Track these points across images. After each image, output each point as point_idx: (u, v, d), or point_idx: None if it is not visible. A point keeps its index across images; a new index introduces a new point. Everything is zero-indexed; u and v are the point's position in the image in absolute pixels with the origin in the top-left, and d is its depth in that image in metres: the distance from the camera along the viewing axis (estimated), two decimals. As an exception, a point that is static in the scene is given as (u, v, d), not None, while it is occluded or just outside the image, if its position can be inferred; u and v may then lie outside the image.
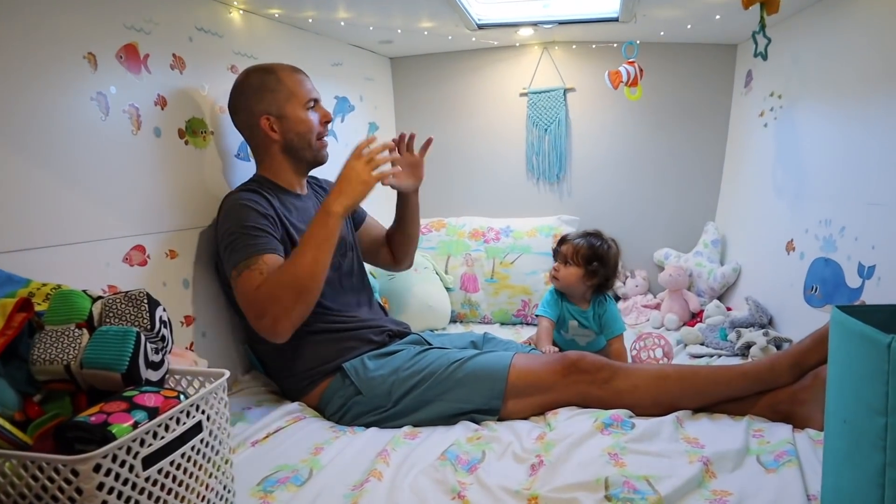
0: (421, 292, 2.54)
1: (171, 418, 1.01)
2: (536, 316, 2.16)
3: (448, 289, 2.69)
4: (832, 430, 1.02)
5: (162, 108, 1.68)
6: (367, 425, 1.64)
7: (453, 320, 2.74)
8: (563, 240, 2.14)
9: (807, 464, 1.28)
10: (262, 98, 1.77)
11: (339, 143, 2.55)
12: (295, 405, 1.71)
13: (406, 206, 2.11)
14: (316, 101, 1.83)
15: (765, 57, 1.88)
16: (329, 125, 1.87)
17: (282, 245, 1.68)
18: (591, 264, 2.05)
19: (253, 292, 1.57)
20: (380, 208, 2.30)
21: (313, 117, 1.81)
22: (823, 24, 2.03)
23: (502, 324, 2.71)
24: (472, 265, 2.73)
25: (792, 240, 2.16)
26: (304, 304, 1.59)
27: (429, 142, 2.04)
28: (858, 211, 1.80)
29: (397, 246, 2.19)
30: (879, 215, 1.70)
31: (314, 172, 1.95)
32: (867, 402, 0.87)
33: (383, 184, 1.79)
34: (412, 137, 2.04)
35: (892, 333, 0.83)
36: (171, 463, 1.01)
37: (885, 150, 1.70)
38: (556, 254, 2.14)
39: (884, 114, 1.72)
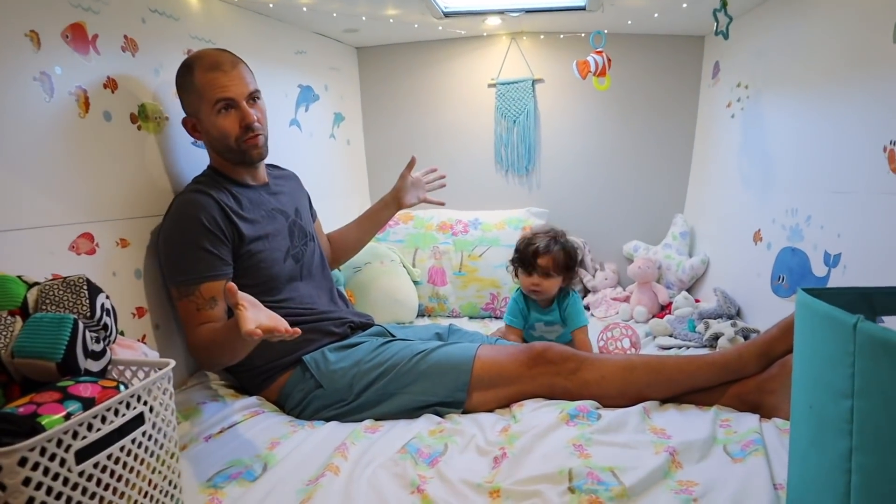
0: (388, 286, 2.50)
1: (108, 409, 0.95)
2: (505, 323, 2.15)
3: (415, 282, 2.65)
4: (798, 416, 0.99)
5: (112, 92, 1.61)
6: (328, 419, 1.60)
7: (421, 314, 2.70)
8: (535, 253, 2.02)
9: (773, 453, 1.26)
10: (183, 97, 1.71)
11: (302, 133, 2.51)
12: (253, 399, 1.66)
13: (381, 217, 2.20)
14: (229, 101, 1.65)
15: (726, 36, 1.87)
16: (253, 126, 1.68)
17: (229, 255, 1.65)
18: (571, 271, 2.06)
19: (189, 332, 1.61)
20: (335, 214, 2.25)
21: (226, 121, 1.66)
22: (788, 15, 2.02)
23: (471, 317, 2.67)
24: (439, 258, 2.69)
25: (759, 230, 2.15)
26: (230, 362, 1.60)
27: (412, 162, 2.20)
28: (823, 199, 1.79)
29: (344, 249, 2.22)
30: (844, 203, 1.69)
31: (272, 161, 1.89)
32: (833, 386, 0.84)
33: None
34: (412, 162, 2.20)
35: (857, 314, 0.81)
36: (109, 457, 0.95)
37: (848, 139, 1.69)
38: (532, 266, 2.03)
39: (846, 103, 1.71)
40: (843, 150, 1.72)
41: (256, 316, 1.26)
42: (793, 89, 2.00)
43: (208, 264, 1.60)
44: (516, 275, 2.12)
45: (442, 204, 2.29)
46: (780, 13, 2.07)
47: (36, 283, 1.11)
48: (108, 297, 1.15)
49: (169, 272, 1.63)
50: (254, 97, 1.72)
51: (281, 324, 1.27)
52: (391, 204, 2.19)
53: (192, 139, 1.87)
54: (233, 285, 1.27)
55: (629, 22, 2.54)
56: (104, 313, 1.12)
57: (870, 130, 1.59)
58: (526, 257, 2.05)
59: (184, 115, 1.74)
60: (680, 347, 2.10)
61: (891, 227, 1.51)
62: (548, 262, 2.01)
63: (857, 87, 1.66)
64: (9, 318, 1.01)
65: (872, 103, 1.59)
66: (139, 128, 1.69)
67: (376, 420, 1.57)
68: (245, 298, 1.29)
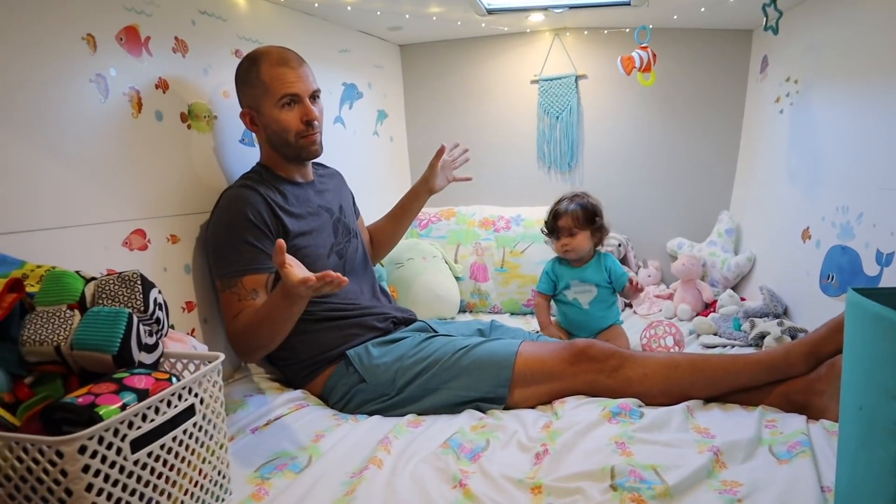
0: (430, 281, 2.51)
1: (161, 401, 0.99)
2: (535, 291, 2.29)
3: (457, 278, 2.66)
4: (847, 418, 0.98)
5: (164, 92, 1.65)
6: (371, 413, 1.62)
7: (462, 310, 2.71)
8: (556, 215, 2.17)
9: (821, 455, 1.24)
10: (244, 90, 1.75)
11: (346, 130, 2.53)
12: (298, 393, 1.69)
13: (413, 207, 2.20)
14: (294, 96, 1.70)
15: (775, 31, 1.83)
16: (313, 123, 1.73)
17: (270, 246, 1.65)
18: (594, 222, 2.14)
19: (229, 322, 1.64)
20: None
21: (289, 116, 1.71)
22: (840, 7, 1.98)
23: (512, 313, 2.67)
24: (481, 254, 2.70)
25: (808, 227, 2.11)
26: (270, 347, 1.62)
27: (441, 150, 2.16)
28: (877, 197, 1.75)
29: (380, 243, 2.24)
30: (898, 201, 1.65)
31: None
32: (883, 387, 0.83)
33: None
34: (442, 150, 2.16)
35: (910, 316, 0.79)
36: (162, 447, 0.99)
37: (905, 134, 1.65)
38: (556, 230, 2.17)
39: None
40: (897, 147, 1.67)
41: (304, 272, 1.33)
42: (844, 84, 1.96)
43: (251, 257, 1.63)
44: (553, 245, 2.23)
45: (469, 179, 2.27)
46: (832, 5, 2.03)
47: (93, 279, 1.15)
48: (160, 292, 1.19)
49: (214, 264, 1.67)
50: (315, 96, 1.76)
51: (328, 274, 1.30)
52: (422, 192, 2.18)
53: (240, 138, 1.91)
54: (281, 241, 1.32)
55: (675, 17, 2.51)
56: (157, 307, 1.16)
57: (925, 126, 1.55)
58: (550, 224, 2.20)
59: (240, 108, 1.77)
60: (725, 346, 2.07)
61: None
62: (569, 221, 2.13)
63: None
64: (68, 311, 1.05)
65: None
66: (189, 127, 1.74)
67: (419, 415, 1.59)
68: (290, 258, 1.36)
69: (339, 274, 1.31)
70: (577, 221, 2.12)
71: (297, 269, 1.34)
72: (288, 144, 1.74)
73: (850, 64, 1.92)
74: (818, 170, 2.09)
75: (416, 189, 2.19)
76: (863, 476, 0.91)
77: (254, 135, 1.88)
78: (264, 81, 1.69)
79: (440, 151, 2.15)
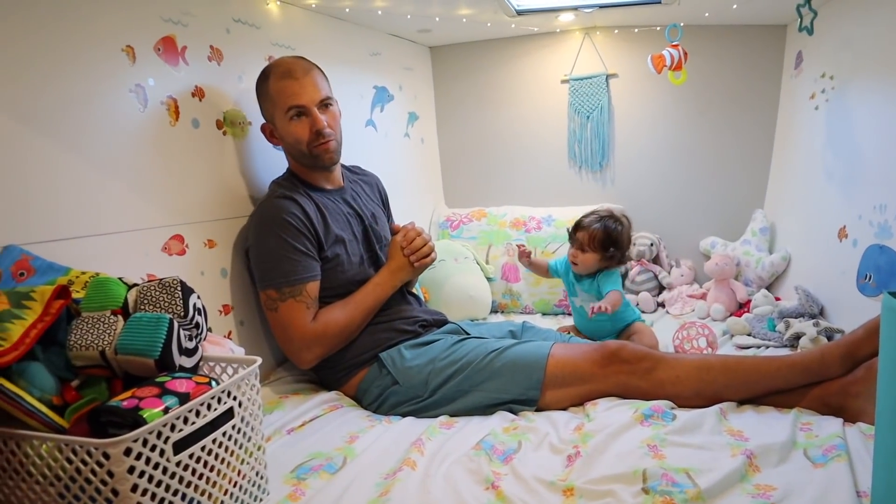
0: (461, 282, 2.53)
1: (201, 404, 1.02)
2: None
3: (489, 279, 2.68)
4: (883, 423, 0.97)
5: (200, 100, 1.69)
6: (404, 415, 1.64)
7: (494, 310, 2.72)
8: (578, 225, 2.16)
9: (857, 459, 1.22)
10: (261, 104, 1.79)
11: (378, 133, 2.56)
12: (332, 394, 1.72)
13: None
14: (301, 108, 1.71)
15: (810, 31, 1.80)
16: (323, 132, 1.73)
17: (317, 253, 1.72)
18: (608, 250, 2.10)
19: (302, 327, 1.67)
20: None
21: (298, 128, 1.73)
22: (875, 2, 1.94)
23: (544, 314, 2.68)
24: (513, 255, 2.70)
25: (844, 226, 2.08)
26: (341, 348, 1.75)
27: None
28: (915, 195, 1.72)
29: None
30: (938, 199, 1.63)
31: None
32: (919, 393, 0.83)
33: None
34: None
35: (945, 320, 0.79)
36: (203, 448, 1.02)
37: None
38: (572, 237, 2.17)
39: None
40: (935, 144, 1.64)
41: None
42: (882, 79, 1.93)
43: (308, 265, 1.68)
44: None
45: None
46: (868, 0, 1.99)
47: (135, 285, 1.18)
48: (199, 297, 1.22)
49: (267, 275, 1.67)
50: (325, 103, 1.77)
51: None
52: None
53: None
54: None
55: (706, 14, 2.49)
56: (196, 312, 1.19)
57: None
58: (572, 230, 2.18)
59: (263, 121, 1.82)
60: (759, 347, 2.05)
61: None
62: (584, 237, 2.11)
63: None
64: (112, 317, 1.08)
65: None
66: (224, 133, 1.78)
67: (451, 416, 1.60)
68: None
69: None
70: (592, 242, 2.10)
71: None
72: (304, 154, 1.77)
73: (887, 59, 1.89)
74: (855, 167, 2.06)
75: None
76: (899, 482, 0.90)
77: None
78: (272, 95, 1.73)
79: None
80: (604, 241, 2.09)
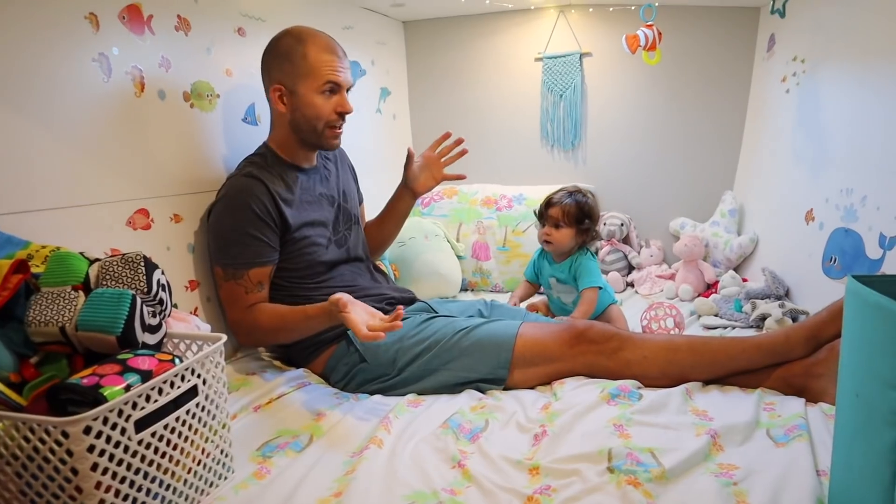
0: (431, 260, 2.52)
1: (164, 381, 1.00)
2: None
3: (459, 257, 2.67)
4: (844, 404, 0.99)
5: (166, 71, 1.65)
6: (372, 393, 1.63)
7: (464, 288, 2.72)
8: (548, 203, 2.13)
9: (818, 439, 1.25)
10: (281, 66, 1.70)
11: (348, 108, 2.52)
12: (300, 371, 1.70)
13: (399, 209, 2.11)
14: (337, 85, 1.70)
15: (782, 14, 1.81)
16: (345, 115, 1.75)
17: (277, 241, 1.69)
18: (583, 223, 2.09)
19: (235, 313, 1.68)
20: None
21: (326, 103, 1.70)
22: (849, -14, 1.96)
23: (513, 292, 2.68)
24: (483, 233, 2.70)
25: (811, 209, 2.11)
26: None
27: (409, 156, 2.05)
28: (881, 180, 1.74)
29: (372, 248, 2.12)
30: (903, 184, 1.65)
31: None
32: (881, 376, 0.84)
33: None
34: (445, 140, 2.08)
35: (909, 305, 0.80)
36: (166, 426, 1.00)
37: (911, 117, 1.64)
38: (544, 217, 2.13)
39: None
40: (903, 130, 1.67)
41: (361, 316, 1.40)
42: (852, 64, 1.94)
43: (257, 251, 1.65)
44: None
45: (462, 178, 2.13)
46: (840, -16, 2.01)
47: (97, 260, 1.16)
48: (163, 273, 1.20)
49: (218, 253, 1.67)
50: (349, 90, 1.77)
51: (386, 323, 1.40)
52: (404, 195, 2.09)
53: (243, 117, 1.91)
54: (343, 301, 1.44)
55: (681, -6, 2.49)
56: (160, 289, 1.17)
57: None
58: (541, 209, 2.15)
59: (269, 83, 1.73)
60: (725, 328, 2.07)
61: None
62: (557, 213, 2.08)
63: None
64: (73, 292, 1.06)
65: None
66: (192, 106, 1.74)
67: (419, 395, 1.60)
68: (345, 303, 1.44)
69: (395, 319, 1.41)
70: (565, 216, 2.08)
71: (355, 315, 1.43)
72: (314, 131, 1.73)
73: (858, 44, 1.91)
74: (823, 151, 2.08)
75: (398, 192, 2.11)
76: (858, 463, 0.92)
77: (259, 115, 1.88)
78: (310, 63, 1.67)
79: (410, 156, 2.04)
80: (577, 215, 2.08)
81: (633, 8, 2.66)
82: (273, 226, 1.67)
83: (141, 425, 0.96)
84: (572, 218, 2.07)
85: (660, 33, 2.21)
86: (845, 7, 1.97)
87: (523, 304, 2.23)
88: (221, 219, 1.67)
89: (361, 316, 1.40)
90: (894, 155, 1.69)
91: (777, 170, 2.42)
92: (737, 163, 2.79)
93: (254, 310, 1.65)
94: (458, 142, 2.06)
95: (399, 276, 2.45)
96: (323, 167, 1.91)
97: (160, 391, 0.99)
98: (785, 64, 2.37)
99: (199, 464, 1.09)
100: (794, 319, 1.95)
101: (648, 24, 2.21)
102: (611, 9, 2.74)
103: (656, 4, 2.22)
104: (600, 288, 2.07)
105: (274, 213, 1.67)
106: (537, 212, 2.18)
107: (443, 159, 2.08)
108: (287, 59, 1.69)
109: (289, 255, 1.72)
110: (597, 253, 2.60)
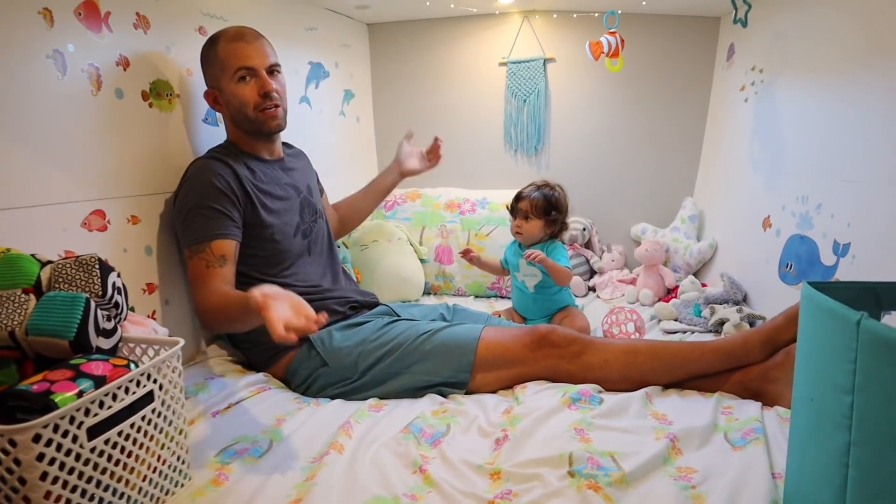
0: (394, 263, 2.51)
1: (119, 387, 0.97)
2: None
3: (422, 260, 2.66)
4: (798, 408, 1.00)
5: (124, 69, 1.61)
6: (333, 397, 1.62)
7: (427, 292, 2.71)
8: (518, 197, 2.22)
9: (774, 442, 1.27)
10: (206, 70, 1.75)
11: (312, 110, 2.50)
12: (260, 376, 1.68)
13: (385, 184, 2.27)
14: (249, 69, 1.69)
15: (744, 24, 1.84)
16: (270, 94, 1.71)
17: (240, 219, 1.67)
18: (550, 214, 2.16)
19: (198, 289, 1.59)
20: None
21: (246, 90, 1.70)
22: (807, -2, 2.00)
23: (476, 296, 2.69)
24: (446, 237, 2.70)
25: (769, 216, 2.15)
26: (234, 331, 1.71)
27: (409, 134, 2.31)
28: (835, 188, 1.79)
29: (350, 218, 2.27)
30: (856, 193, 1.69)
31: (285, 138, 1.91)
32: (834, 381, 0.85)
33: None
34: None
35: (861, 311, 0.81)
36: (120, 433, 0.98)
37: (864, 128, 1.68)
38: (515, 211, 2.22)
39: (864, 90, 1.69)
40: (857, 139, 1.71)
41: (281, 313, 1.19)
42: (809, 75, 1.99)
43: (218, 223, 1.61)
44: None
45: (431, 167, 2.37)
46: (798, -3, 2.05)
47: (49, 262, 1.12)
48: (119, 276, 1.17)
49: (183, 234, 1.64)
50: (273, 70, 1.75)
51: (309, 322, 1.20)
52: (392, 171, 2.27)
53: (203, 117, 1.88)
54: (260, 303, 1.22)
55: (644, 2, 2.52)
56: (115, 292, 1.14)
57: (885, 120, 1.58)
58: (512, 203, 2.24)
59: (206, 89, 1.77)
60: (685, 332, 2.10)
61: (901, 218, 1.50)
62: (526, 205, 2.17)
63: (876, 76, 1.64)
64: (23, 296, 1.03)
65: (890, 93, 1.58)
66: (150, 105, 1.70)
67: (380, 399, 1.59)
68: (265, 295, 1.23)
69: (318, 318, 1.21)
70: (534, 208, 2.16)
71: (274, 313, 1.18)
72: (248, 119, 1.73)
73: (814, 55, 1.95)
74: (780, 159, 2.12)
75: (389, 167, 2.28)
76: (812, 466, 0.94)
77: (219, 115, 1.86)
78: (221, 58, 1.69)
79: (408, 135, 2.25)
80: (545, 207, 2.15)
81: (596, 15, 2.68)
82: (236, 201, 1.65)
83: (94, 432, 0.93)
84: (540, 210, 2.15)
85: (622, 40, 2.24)
86: (803, 19, 2.02)
87: (489, 311, 2.23)
88: (185, 198, 1.64)
89: (283, 313, 1.21)
90: (848, 164, 1.74)
91: (736, 177, 2.47)
92: (697, 170, 2.84)
93: (213, 291, 1.56)
94: (438, 144, 2.34)
95: (361, 280, 2.43)
96: (288, 160, 1.91)
97: (114, 397, 0.97)
98: (744, 73, 2.42)
99: (154, 471, 1.07)
100: (752, 324, 1.98)
101: (611, 31, 2.24)
102: (574, 15, 2.76)
103: (619, 12, 2.25)
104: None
105: (238, 190, 1.66)
106: (509, 206, 2.26)
107: (433, 155, 2.32)
108: (207, 63, 1.73)
109: (256, 241, 1.70)
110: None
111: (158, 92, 1.72)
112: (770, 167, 2.19)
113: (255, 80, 1.71)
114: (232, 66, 1.68)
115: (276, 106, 1.74)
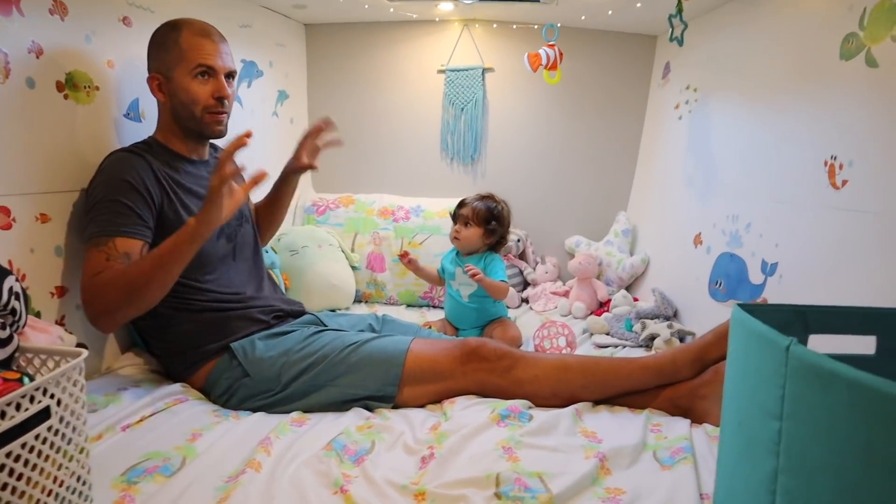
0: (325, 270, 2.44)
1: (9, 404, 0.89)
2: None
3: (354, 267, 2.60)
4: (727, 432, 0.99)
5: (37, 57, 1.51)
6: (255, 409, 1.54)
7: (358, 300, 2.65)
8: (461, 203, 2.24)
9: (702, 461, 1.27)
10: (157, 54, 1.65)
11: (243, 109, 2.42)
12: (177, 386, 1.59)
13: (285, 188, 2.06)
14: (210, 69, 1.64)
15: (680, 42, 1.86)
16: (224, 101, 1.67)
17: (152, 220, 1.56)
18: (490, 224, 2.19)
19: (90, 278, 1.46)
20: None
21: (200, 88, 1.63)
22: (740, 22, 2.04)
23: (408, 305, 2.65)
24: (379, 244, 2.65)
25: (700, 233, 2.17)
26: (133, 309, 1.48)
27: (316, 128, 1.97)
28: (764, 208, 1.81)
29: (262, 228, 2.08)
30: (783, 213, 1.72)
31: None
32: (763, 406, 0.84)
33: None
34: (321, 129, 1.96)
35: (791, 335, 0.80)
36: (9, 454, 0.89)
37: (791, 150, 1.71)
38: (456, 216, 2.24)
39: (790, 114, 1.73)
40: (785, 161, 1.74)
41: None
42: (740, 96, 2.02)
43: (128, 220, 1.51)
44: None
45: (315, 168, 1.99)
46: (733, 19, 2.08)
47: (-64, 263, 1.03)
48: (17, 280, 1.08)
49: (86, 226, 1.52)
50: (231, 76, 1.70)
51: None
52: (287, 170, 2.03)
53: (125, 112, 1.78)
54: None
55: (583, 17, 2.53)
56: (12, 297, 1.05)
57: (812, 143, 1.61)
58: (455, 208, 2.27)
59: (148, 73, 1.67)
60: (616, 346, 2.10)
61: (828, 239, 1.53)
62: (468, 212, 2.20)
63: (802, 100, 1.68)
64: None
65: (816, 117, 1.61)
66: (66, 97, 1.60)
67: (304, 412, 1.53)
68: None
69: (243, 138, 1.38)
70: (475, 216, 2.18)
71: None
72: (193, 118, 1.66)
73: (747, 77, 1.98)
74: (712, 178, 2.15)
75: (284, 168, 2.05)
76: (741, 490, 0.92)
77: (143, 110, 1.76)
78: (182, 48, 1.61)
79: (315, 129, 1.97)
80: (486, 216, 2.18)
81: (536, 27, 2.68)
82: (149, 201, 1.55)
83: (-22, 453, 0.85)
84: (481, 218, 2.18)
85: (561, 53, 2.24)
86: (737, 41, 2.05)
87: (421, 321, 2.20)
88: (95, 191, 1.54)
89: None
90: (777, 185, 1.76)
91: (669, 193, 2.49)
92: (631, 184, 2.86)
93: (108, 271, 1.45)
94: (320, 129, 1.96)
95: (290, 286, 2.36)
96: (213, 162, 1.82)
97: (3, 415, 0.88)
98: (678, 92, 2.45)
99: (49, 494, 0.98)
100: (682, 340, 2.00)
101: (550, 43, 2.24)
102: (514, 26, 2.75)
103: (559, 25, 2.25)
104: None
105: (154, 188, 1.57)
106: (452, 212, 2.30)
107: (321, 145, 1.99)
108: (162, 47, 1.63)
109: None
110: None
111: (75, 83, 1.62)
112: (702, 185, 2.22)
113: (213, 81, 1.65)
114: (193, 59, 1.61)
115: (224, 113, 1.69)
